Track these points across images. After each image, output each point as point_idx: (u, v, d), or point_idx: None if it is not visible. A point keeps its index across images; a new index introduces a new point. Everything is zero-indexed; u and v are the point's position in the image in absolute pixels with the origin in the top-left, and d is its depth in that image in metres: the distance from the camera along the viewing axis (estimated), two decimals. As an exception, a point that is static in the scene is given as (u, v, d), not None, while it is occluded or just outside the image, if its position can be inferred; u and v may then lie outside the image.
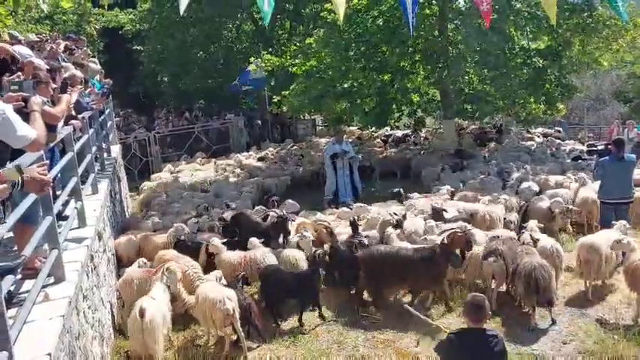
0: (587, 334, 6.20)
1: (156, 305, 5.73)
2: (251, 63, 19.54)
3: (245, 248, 7.78)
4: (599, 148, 11.71)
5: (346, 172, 12.63)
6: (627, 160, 8.33)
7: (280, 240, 8.39)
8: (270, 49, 21.24)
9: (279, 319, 6.85)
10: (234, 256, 7.51)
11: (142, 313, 5.50)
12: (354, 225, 8.13)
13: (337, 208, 10.81)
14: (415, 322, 6.62)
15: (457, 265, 6.96)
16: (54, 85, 5.78)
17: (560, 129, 19.37)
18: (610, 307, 6.85)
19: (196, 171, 16.49)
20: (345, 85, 16.05)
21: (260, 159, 17.34)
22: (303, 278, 6.85)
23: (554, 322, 6.42)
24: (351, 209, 9.86)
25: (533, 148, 16.10)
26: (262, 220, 9.11)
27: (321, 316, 6.92)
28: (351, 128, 22.39)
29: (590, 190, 9.60)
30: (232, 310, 5.89)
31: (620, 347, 5.81)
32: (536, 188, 10.59)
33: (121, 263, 8.21)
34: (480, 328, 4.09)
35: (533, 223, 8.01)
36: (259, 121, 23.97)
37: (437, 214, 8.78)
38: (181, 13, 8.66)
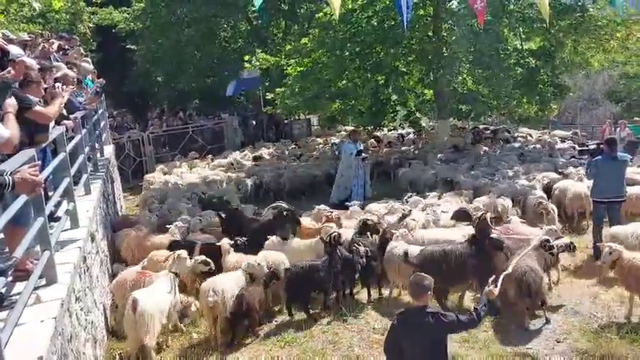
0: (580, 333, 6.24)
1: (150, 297, 5.76)
2: (245, 61, 19.52)
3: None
4: (591, 147, 11.71)
5: (360, 173, 12.47)
6: (620, 160, 8.36)
7: (290, 234, 8.39)
8: (265, 49, 21.22)
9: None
10: (231, 259, 7.53)
11: (134, 306, 5.54)
12: (365, 227, 8.08)
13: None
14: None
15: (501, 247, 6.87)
16: (45, 85, 5.74)
17: (578, 131, 19.45)
18: (603, 305, 6.89)
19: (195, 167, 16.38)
20: (340, 86, 16.06)
21: (255, 158, 17.31)
22: (326, 265, 7.00)
23: (547, 322, 6.45)
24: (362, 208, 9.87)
25: (528, 148, 16.14)
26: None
27: (326, 306, 7.12)
28: (347, 128, 22.44)
29: (583, 185, 9.76)
30: (213, 303, 5.96)
31: (613, 345, 5.84)
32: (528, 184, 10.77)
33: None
34: (421, 306, 4.28)
35: (515, 218, 8.13)
36: (254, 121, 23.94)
37: (463, 215, 8.59)
38: None
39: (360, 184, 12.43)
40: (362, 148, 13.05)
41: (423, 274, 4.45)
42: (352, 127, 21.44)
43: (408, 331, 4.24)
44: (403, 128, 21.18)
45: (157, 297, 5.91)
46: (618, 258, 6.43)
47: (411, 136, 19.62)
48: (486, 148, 16.22)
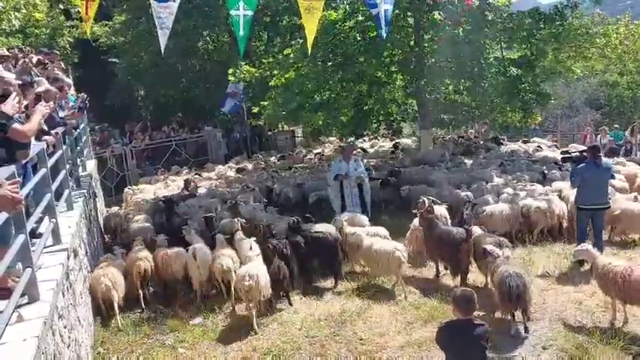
0: (566, 339, 6.27)
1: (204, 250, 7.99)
2: (230, 74, 19.51)
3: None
4: (574, 155, 11.80)
5: (354, 192, 10.84)
6: (605, 167, 8.43)
7: None
8: (247, 61, 21.22)
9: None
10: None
11: (194, 254, 7.66)
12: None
13: None
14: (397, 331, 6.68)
15: None
16: (25, 102, 5.67)
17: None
18: (587, 311, 6.94)
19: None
20: (323, 97, 16.09)
21: (239, 170, 17.28)
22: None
23: (526, 331, 6.43)
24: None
25: (506, 158, 16.13)
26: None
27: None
28: (331, 138, 22.48)
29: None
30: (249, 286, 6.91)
31: (598, 351, 5.88)
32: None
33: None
34: (468, 319, 4.35)
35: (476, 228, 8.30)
36: (237, 134, 23.89)
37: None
38: (162, 50, 8.88)
39: (357, 203, 10.80)
40: (356, 166, 11.03)
41: (468, 288, 4.69)
42: (335, 138, 21.59)
43: (465, 344, 4.29)
44: (392, 139, 21.29)
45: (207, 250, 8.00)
46: (593, 263, 6.51)
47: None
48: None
